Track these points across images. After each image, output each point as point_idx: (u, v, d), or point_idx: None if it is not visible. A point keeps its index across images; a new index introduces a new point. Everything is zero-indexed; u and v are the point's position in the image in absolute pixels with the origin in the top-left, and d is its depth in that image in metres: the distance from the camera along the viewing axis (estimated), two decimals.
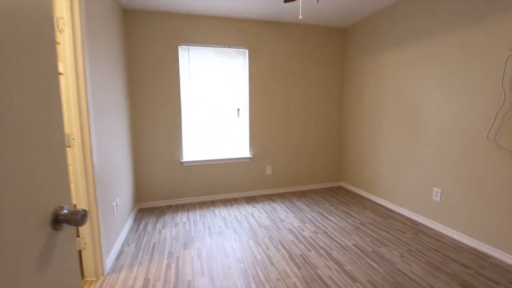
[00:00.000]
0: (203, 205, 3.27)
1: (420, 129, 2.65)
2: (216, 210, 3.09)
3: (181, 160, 3.26)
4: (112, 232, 2.14)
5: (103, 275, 1.88)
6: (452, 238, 2.35)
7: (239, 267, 1.98)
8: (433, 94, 2.49)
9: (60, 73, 1.74)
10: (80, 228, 1.80)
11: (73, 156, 1.75)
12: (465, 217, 2.27)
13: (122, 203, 2.51)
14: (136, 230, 2.60)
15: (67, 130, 1.75)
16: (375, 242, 2.31)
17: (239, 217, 2.88)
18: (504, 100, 1.95)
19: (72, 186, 1.79)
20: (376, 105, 3.22)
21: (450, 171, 2.37)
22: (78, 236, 1.82)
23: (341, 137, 3.92)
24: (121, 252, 2.21)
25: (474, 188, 2.19)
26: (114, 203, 2.25)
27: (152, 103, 3.10)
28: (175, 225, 2.70)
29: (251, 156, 3.52)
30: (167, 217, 2.90)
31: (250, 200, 3.43)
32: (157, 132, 3.15)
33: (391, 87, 2.97)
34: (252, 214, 2.96)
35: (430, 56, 2.49)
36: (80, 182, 1.76)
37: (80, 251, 1.85)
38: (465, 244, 2.25)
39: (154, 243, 2.35)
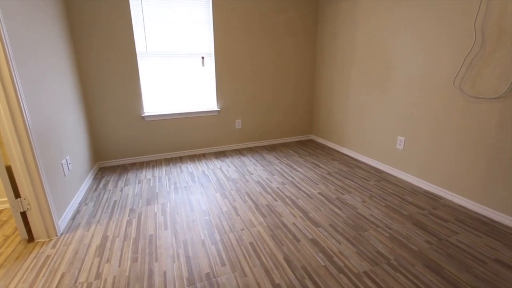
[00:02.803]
0: (170, 161, 3.13)
1: (388, 78, 2.59)
2: (183, 166, 2.98)
3: (142, 115, 3.01)
4: (63, 191, 1.97)
5: (57, 235, 1.76)
6: (411, 183, 2.48)
7: (204, 219, 1.95)
8: (405, 41, 2.37)
9: None
10: (20, 188, 1.61)
11: None
12: (424, 163, 2.36)
13: (76, 161, 2.30)
14: (95, 189, 2.45)
15: None
16: (340, 190, 2.37)
17: (206, 172, 2.80)
18: (474, 43, 1.88)
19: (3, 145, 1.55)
20: (348, 55, 3.07)
21: (415, 119, 2.39)
22: (19, 197, 1.64)
23: (313, 89, 3.80)
24: (77, 211, 2.07)
25: (435, 135, 2.23)
26: (64, 161, 2.03)
27: (100, 49, 2.69)
28: (139, 182, 2.57)
29: (219, 109, 3.33)
30: (130, 175, 2.75)
31: (220, 155, 3.34)
32: (111, 84, 2.81)
33: (364, 34, 2.79)
34: (220, 168, 2.89)
35: None
36: (10, 136, 1.52)
37: (24, 213, 1.69)
38: (421, 188, 2.38)
39: (115, 201, 2.23)
